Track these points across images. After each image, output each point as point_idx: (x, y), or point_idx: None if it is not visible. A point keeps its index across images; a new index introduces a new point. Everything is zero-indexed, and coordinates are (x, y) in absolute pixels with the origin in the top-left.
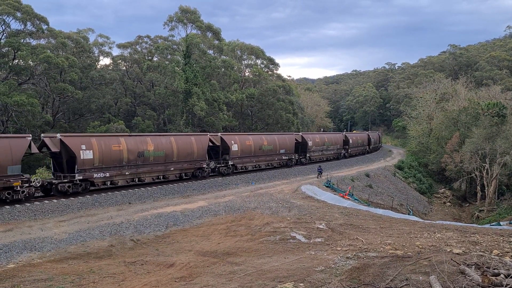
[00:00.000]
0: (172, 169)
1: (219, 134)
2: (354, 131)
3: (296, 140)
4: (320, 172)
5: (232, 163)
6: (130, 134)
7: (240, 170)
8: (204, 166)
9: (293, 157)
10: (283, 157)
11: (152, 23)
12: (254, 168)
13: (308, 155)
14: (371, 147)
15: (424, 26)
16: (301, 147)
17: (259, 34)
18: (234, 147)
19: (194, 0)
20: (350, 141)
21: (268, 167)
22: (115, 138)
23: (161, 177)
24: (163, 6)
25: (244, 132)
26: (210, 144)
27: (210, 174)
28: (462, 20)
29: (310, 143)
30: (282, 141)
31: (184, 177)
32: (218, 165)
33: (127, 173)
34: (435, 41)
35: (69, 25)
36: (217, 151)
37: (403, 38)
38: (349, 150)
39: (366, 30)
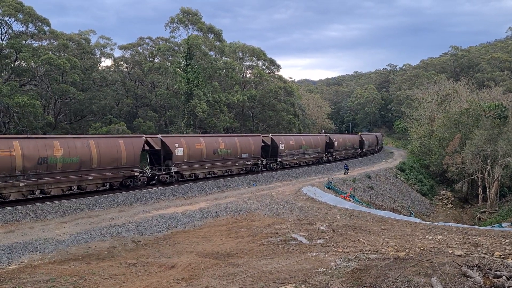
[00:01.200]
0: (90, 178)
1: (159, 136)
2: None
3: (264, 142)
4: (346, 169)
5: (175, 170)
6: (30, 136)
7: (187, 178)
8: (136, 174)
9: (259, 162)
10: (246, 162)
11: (154, 24)
12: (208, 176)
13: (279, 159)
14: (364, 150)
15: (426, 27)
16: (271, 150)
17: (261, 35)
18: (179, 151)
19: (196, 1)
20: (335, 144)
21: (226, 174)
22: (4, 142)
23: (75, 188)
24: (165, 8)
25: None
26: (148, 148)
27: (151, 183)
28: (464, 21)
29: (281, 146)
30: (245, 144)
31: (110, 187)
32: (158, 173)
33: (22, 184)
34: (437, 42)
35: (71, 27)
36: (159, 156)
37: (405, 39)
38: (334, 154)
39: (368, 31)
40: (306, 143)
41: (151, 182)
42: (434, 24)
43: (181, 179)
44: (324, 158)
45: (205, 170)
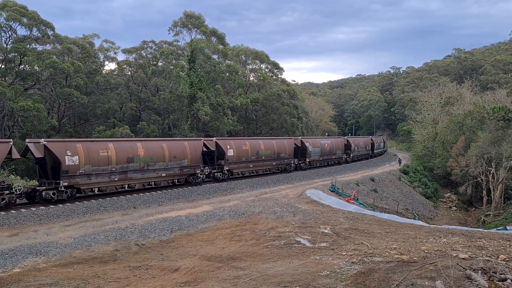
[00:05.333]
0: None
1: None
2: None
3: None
4: (400, 162)
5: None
6: (250, 138)
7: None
8: (291, 163)
9: (4, 193)
10: None
11: (160, 28)
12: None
13: (64, 183)
14: (308, 160)
15: (434, 30)
16: (51, 168)
17: (267, 38)
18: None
19: (203, 5)
20: (229, 154)
21: None
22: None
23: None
24: (172, 11)
25: (250, 137)
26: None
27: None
28: (472, 24)
29: (70, 161)
30: None
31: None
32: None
33: (251, 166)
34: (445, 45)
35: (77, 30)
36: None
37: (412, 42)
38: (228, 168)
39: (375, 34)
40: (150, 153)
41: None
42: (442, 26)
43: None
44: (202, 174)
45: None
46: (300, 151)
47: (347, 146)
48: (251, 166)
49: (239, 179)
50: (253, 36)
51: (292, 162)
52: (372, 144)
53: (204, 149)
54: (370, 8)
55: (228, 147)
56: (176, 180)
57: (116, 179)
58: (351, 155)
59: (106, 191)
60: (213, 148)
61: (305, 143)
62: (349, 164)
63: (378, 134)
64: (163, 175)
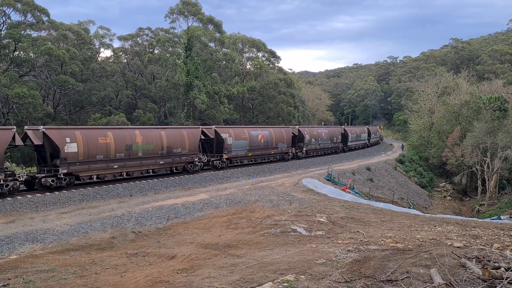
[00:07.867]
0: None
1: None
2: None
3: None
4: (402, 147)
5: None
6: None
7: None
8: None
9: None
10: None
11: (158, 15)
12: None
13: None
14: (227, 157)
15: (435, 19)
16: None
17: (266, 26)
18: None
19: None
20: (69, 150)
21: None
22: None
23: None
24: None
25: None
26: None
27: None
28: (474, 13)
29: None
30: None
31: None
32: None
33: None
34: (445, 34)
35: (73, 16)
36: None
37: (411, 31)
38: (67, 170)
39: (375, 23)
40: None
41: None
42: (442, 15)
43: None
44: (7, 184)
45: None
46: (215, 145)
47: (299, 138)
48: (117, 167)
49: (95, 185)
50: (252, 24)
51: (197, 159)
52: (345, 136)
53: (15, 142)
54: None
55: (68, 140)
56: None
57: None
58: (304, 149)
59: None
60: (39, 142)
61: (221, 134)
62: (300, 160)
63: (375, 124)
64: None
